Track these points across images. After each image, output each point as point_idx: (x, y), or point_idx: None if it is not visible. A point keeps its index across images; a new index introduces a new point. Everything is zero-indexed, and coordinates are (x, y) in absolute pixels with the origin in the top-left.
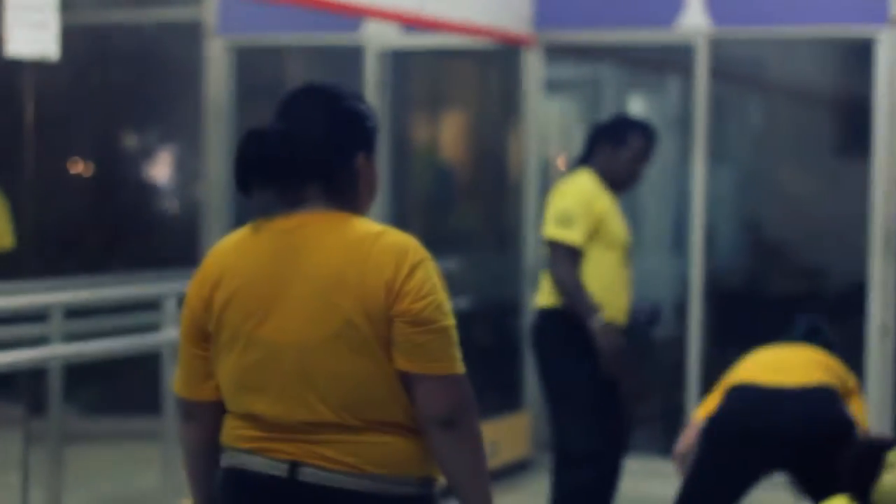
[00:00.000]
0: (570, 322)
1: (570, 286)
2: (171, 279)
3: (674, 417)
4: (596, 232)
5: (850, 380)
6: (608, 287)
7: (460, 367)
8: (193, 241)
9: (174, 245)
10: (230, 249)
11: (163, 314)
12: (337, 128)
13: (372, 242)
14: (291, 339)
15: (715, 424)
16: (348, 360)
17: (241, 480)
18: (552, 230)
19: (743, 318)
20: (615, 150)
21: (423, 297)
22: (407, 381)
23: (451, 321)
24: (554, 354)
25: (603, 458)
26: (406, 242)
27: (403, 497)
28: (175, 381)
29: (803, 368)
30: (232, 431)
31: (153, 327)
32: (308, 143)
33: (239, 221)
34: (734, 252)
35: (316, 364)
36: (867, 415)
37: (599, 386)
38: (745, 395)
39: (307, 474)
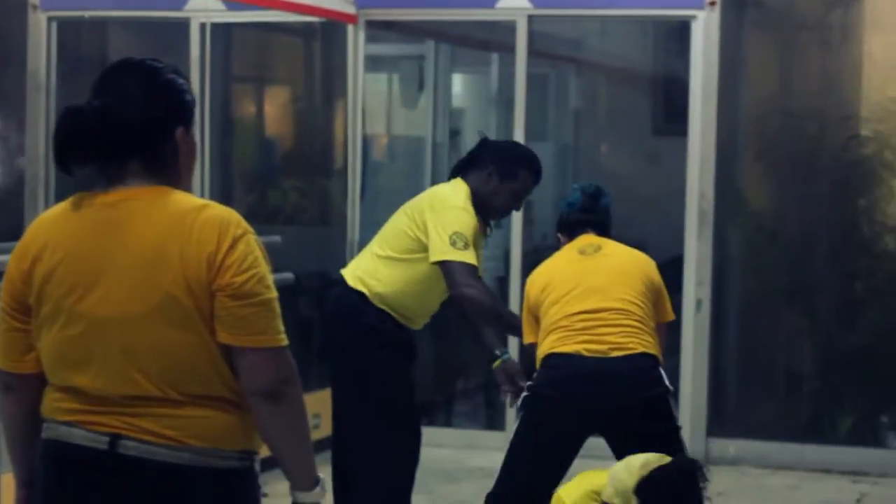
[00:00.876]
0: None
1: (485, 301)
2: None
3: (494, 392)
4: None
5: (655, 274)
6: (426, 303)
7: (284, 340)
8: (17, 215)
9: None
10: (51, 223)
11: None
12: (155, 102)
13: (194, 216)
14: (113, 313)
15: (533, 399)
16: (170, 334)
17: (61, 453)
18: (444, 252)
19: None
20: (503, 182)
21: (245, 271)
22: (230, 354)
23: (273, 294)
24: (354, 336)
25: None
26: (228, 216)
27: (224, 470)
28: None
29: (617, 299)
30: (52, 404)
31: None
32: (127, 119)
33: (61, 196)
34: (553, 227)
35: (137, 338)
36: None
37: (397, 390)
38: (563, 369)
39: (127, 447)
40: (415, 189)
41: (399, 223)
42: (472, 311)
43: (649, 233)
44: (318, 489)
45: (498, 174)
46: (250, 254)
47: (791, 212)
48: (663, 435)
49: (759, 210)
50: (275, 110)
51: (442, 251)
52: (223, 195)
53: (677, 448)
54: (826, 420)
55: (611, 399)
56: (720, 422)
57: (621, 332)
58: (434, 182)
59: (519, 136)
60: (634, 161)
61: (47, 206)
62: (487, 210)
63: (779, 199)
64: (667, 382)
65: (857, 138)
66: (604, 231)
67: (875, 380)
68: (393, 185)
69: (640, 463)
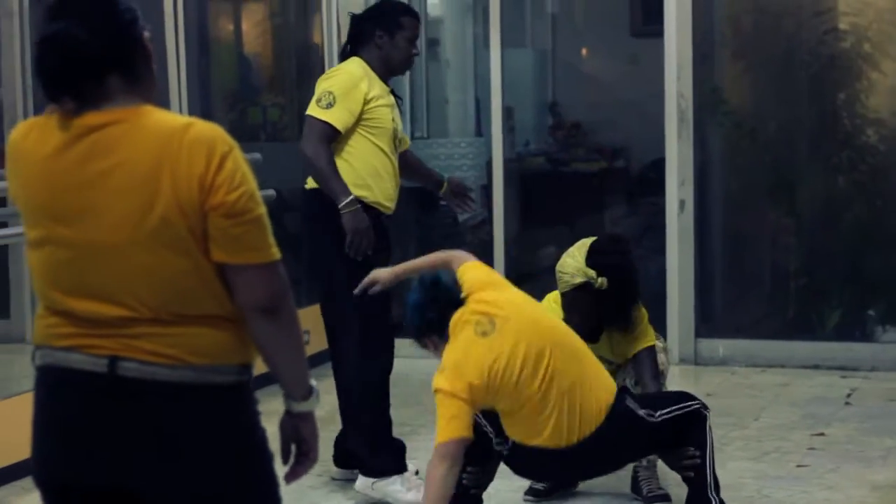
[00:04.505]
0: (325, 201)
1: (318, 162)
2: None
3: None
4: (360, 117)
5: None
6: (373, 173)
7: (276, 254)
8: None
9: None
10: (31, 148)
11: None
12: (121, 11)
13: (181, 137)
14: (105, 238)
15: None
16: (164, 257)
17: (59, 378)
18: (310, 108)
19: (546, 198)
20: (392, 36)
21: (235, 189)
22: (225, 272)
23: (263, 209)
24: (314, 234)
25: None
26: (213, 133)
27: (223, 385)
28: None
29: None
30: (46, 330)
31: None
32: (102, 33)
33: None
34: (535, 134)
35: (131, 263)
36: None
37: (353, 267)
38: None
39: (127, 368)
40: None
41: None
42: (305, 165)
43: (631, 136)
44: (312, 398)
45: (386, 32)
46: (238, 170)
47: (771, 109)
48: None
49: (738, 108)
50: (252, 27)
51: (309, 108)
52: (203, 114)
53: None
54: (814, 316)
55: None
56: (708, 322)
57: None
58: (413, 92)
59: (496, 42)
60: (614, 64)
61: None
62: (394, 68)
63: (758, 97)
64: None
65: (835, 32)
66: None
67: (861, 274)
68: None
69: (577, 247)
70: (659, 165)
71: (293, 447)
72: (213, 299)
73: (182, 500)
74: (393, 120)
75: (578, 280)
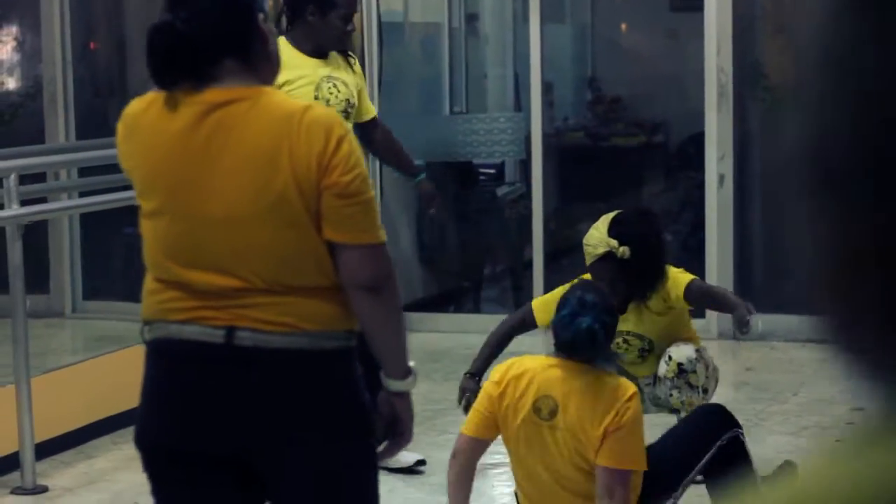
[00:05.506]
0: None
1: None
2: (13, 157)
3: (520, 274)
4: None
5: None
6: None
7: (383, 237)
8: (38, 118)
9: (19, 123)
10: (147, 124)
11: (6, 191)
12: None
13: (300, 117)
14: (223, 212)
15: None
16: (279, 232)
17: (173, 350)
18: None
19: (584, 173)
20: (325, 15)
21: (350, 170)
22: (332, 249)
23: (372, 193)
24: None
25: None
26: (331, 116)
27: (333, 350)
28: None
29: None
30: (161, 305)
31: None
32: (217, 20)
33: (79, 99)
34: (574, 109)
35: (247, 237)
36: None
37: None
38: None
39: (243, 338)
40: (432, 76)
41: None
42: None
43: (670, 110)
44: (409, 379)
45: (318, 10)
46: (353, 153)
47: None
48: None
49: (778, 83)
50: None
51: None
52: None
53: None
54: None
55: None
56: (747, 297)
57: None
58: (452, 67)
59: (535, 17)
60: (653, 38)
61: (66, 110)
62: (325, 46)
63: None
64: None
65: None
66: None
67: None
68: (410, 72)
69: (602, 219)
70: (698, 140)
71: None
72: (322, 273)
73: (296, 461)
74: (317, 97)
75: (601, 250)
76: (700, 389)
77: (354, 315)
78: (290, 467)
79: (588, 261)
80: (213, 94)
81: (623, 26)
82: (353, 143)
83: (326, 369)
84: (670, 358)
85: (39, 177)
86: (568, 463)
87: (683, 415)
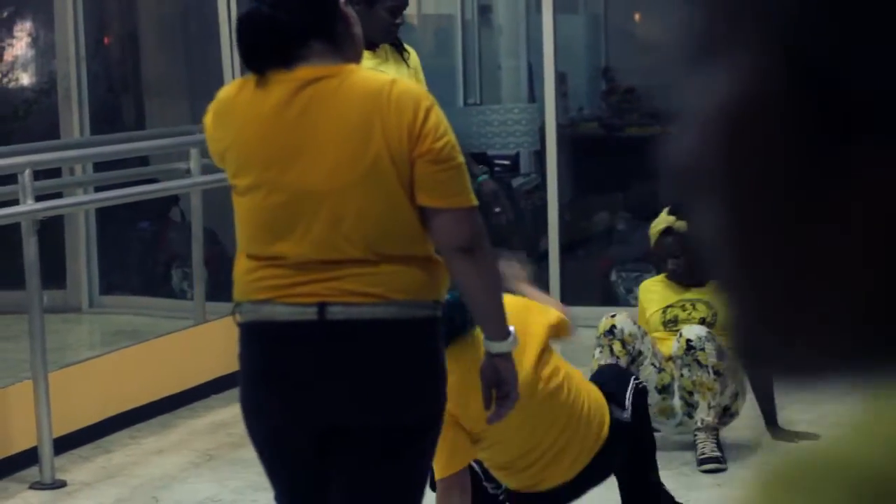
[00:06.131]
0: None
1: None
2: (27, 152)
3: (535, 262)
4: None
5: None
6: None
7: (475, 200)
8: (52, 113)
9: (33, 119)
10: (242, 102)
11: (21, 187)
12: None
13: (388, 90)
14: (319, 183)
15: None
16: (374, 201)
17: (269, 332)
18: None
19: (599, 163)
20: (371, 6)
21: (440, 138)
22: (426, 215)
23: (462, 159)
24: None
25: None
26: (418, 89)
27: (423, 319)
28: None
29: None
30: (250, 284)
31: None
32: (302, 7)
33: (94, 94)
34: (588, 99)
35: (343, 207)
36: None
37: None
38: None
39: (335, 312)
40: (446, 67)
41: None
42: None
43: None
44: (510, 339)
45: (363, 1)
46: (441, 122)
47: None
48: None
49: None
50: None
51: None
52: None
53: None
54: None
55: None
56: None
57: None
58: (466, 58)
59: (548, 7)
60: (667, 28)
61: (80, 105)
62: (374, 37)
63: None
64: None
65: None
66: None
67: None
68: (424, 64)
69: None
70: None
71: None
72: (415, 241)
73: (390, 425)
74: None
75: (661, 226)
76: (710, 369)
77: (442, 286)
78: (378, 429)
79: (652, 240)
80: (303, 72)
81: (636, 16)
82: (439, 113)
83: (415, 337)
84: (681, 335)
85: (54, 172)
86: None
87: (697, 399)
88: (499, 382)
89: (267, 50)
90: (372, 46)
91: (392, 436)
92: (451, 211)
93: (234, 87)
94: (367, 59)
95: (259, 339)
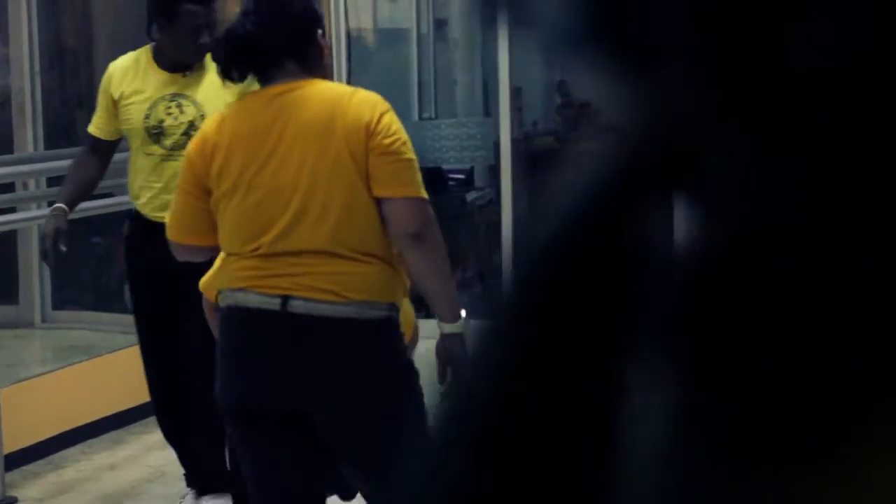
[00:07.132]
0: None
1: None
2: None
3: (489, 279)
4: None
5: None
6: (134, 177)
7: (425, 193)
8: (6, 127)
9: None
10: (227, 115)
11: None
12: (300, 13)
13: (349, 97)
14: (288, 179)
15: None
16: (337, 193)
17: (240, 315)
18: None
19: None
20: (163, 31)
21: (391, 135)
22: (382, 207)
23: (414, 156)
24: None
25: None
26: (375, 97)
27: (376, 320)
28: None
29: None
30: (230, 274)
31: None
32: (280, 31)
33: (48, 108)
34: (543, 113)
35: (310, 199)
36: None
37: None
38: None
39: (297, 306)
40: (401, 82)
41: None
42: None
43: None
44: (460, 321)
45: (157, 26)
46: (394, 123)
47: None
48: None
49: None
50: None
51: None
52: None
53: None
54: None
55: None
56: None
57: None
58: (421, 73)
59: (503, 22)
60: None
61: (34, 120)
62: (179, 58)
63: None
64: None
65: None
66: None
67: None
68: (379, 78)
69: None
70: None
71: (448, 370)
72: (376, 237)
73: (350, 420)
74: (148, 117)
75: None
76: None
77: (399, 290)
78: (341, 421)
79: None
80: (274, 88)
81: None
82: (394, 117)
83: (372, 336)
84: None
85: (8, 187)
86: None
87: None
88: (453, 363)
89: (245, 67)
90: (185, 68)
91: (351, 422)
92: (402, 200)
93: (213, 124)
94: (171, 85)
95: (233, 321)
